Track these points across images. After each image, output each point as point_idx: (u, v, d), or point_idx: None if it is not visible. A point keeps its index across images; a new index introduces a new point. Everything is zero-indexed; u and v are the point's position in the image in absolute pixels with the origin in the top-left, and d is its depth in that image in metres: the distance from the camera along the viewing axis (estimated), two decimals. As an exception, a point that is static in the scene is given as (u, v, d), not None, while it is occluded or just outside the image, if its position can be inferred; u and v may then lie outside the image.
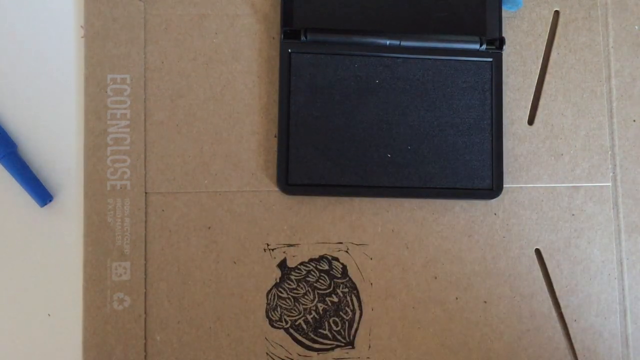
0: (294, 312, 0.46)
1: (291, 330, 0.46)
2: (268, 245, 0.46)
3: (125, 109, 0.46)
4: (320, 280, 0.46)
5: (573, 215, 0.48)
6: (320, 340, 0.46)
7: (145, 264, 0.45)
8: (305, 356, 0.45)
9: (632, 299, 0.47)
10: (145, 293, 0.45)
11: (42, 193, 0.46)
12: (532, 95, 0.49)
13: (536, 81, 0.49)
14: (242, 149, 0.47)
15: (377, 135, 0.46)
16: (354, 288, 0.46)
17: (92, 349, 0.44)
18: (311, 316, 0.46)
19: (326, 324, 0.46)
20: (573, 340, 0.47)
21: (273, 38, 0.48)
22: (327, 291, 0.46)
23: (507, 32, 0.49)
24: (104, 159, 0.46)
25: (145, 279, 0.45)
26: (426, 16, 0.48)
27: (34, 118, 0.47)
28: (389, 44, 0.46)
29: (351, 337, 0.46)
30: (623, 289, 0.47)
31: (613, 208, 0.48)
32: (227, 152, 0.47)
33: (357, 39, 0.46)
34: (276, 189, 0.46)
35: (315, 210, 0.47)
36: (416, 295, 0.46)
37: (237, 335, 0.45)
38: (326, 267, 0.46)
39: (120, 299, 0.45)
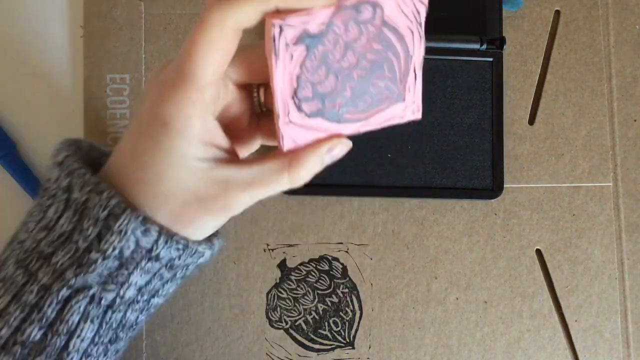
0: (293, 312, 0.46)
1: (291, 331, 0.46)
2: (268, 245, 0.46)
3: (125, 109, 0.46)
4: (320, 281, 0.46)
5: (574, 215, 0.48)
6: (320, 340, 0.46)
7: (145, 264, 0.45)
8: (305, 356, 0.45)
9: (633, 299, 0.47)
10: (144, 293, 0.45)
11: (41, 193, 0.45)
12: (533, 95, 0.49)
13: (537, 81, 0.49)
14: (242, 149, 0.47)
15: (377, 135, 0.46)
16: (354, 288, 0.46)
17: (91, 349, 0.44)
18: (311, 316, 0.46)
19: (326, 324, 0.46)
20: (574, 341, 0.47)
21: (273, 38, 0.48)
22: (327, 291, 0.46)
23: (507, 32, 0.49)
24: (104, 159, 0.46)
25: (145, 279, 0.45)
26: (427, 16, 0.47)
27: (33, 118, 0.47)
28: (389, 43, 0.46)
29: (351, 338, 0.46)
30: (624, 289, 0.47)
31: (614, 208, 0.48)
32: (226, 152, 0.47)
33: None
34: (276, 189, 0.46)
35: (315, 210, 0.47)
36: (416, 296, 0.46)
37: (236, 335, 0.45)
38: (326, 268, 0.46)
39: (119, 299, 0.45)
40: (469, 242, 0.47)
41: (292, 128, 0.30)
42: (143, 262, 0.30)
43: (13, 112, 0.47)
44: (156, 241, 0.29)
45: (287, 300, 0.46)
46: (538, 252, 0.47)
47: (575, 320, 0.47)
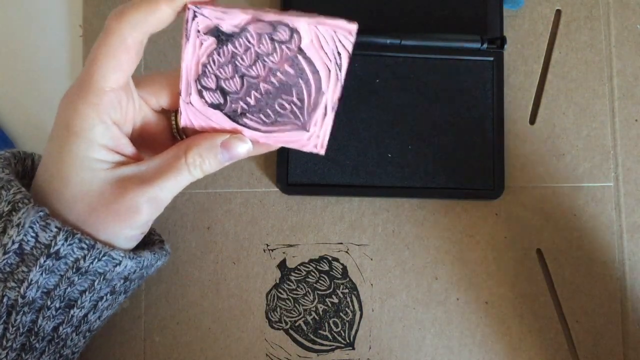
0: (293, 313, 0.46)
1: (291, 332, 0.45)
2: (268, 245, 0.46)
3: (124, 108, 0.46)
4: (320, 281, 0.46)
5: (575, 215, 0.47)
6: (320, 341, 0.45)
7: (144, 265, 0.45)
8: (305, 357, 0.45)
9: (634, 300, 0.47)
10: (144, 294, 0.45)
11: (40, 193, 0.45)
12: (534, 94, 0.49)
13: (537, 80, 0.49)
14: (242, 148, 0.47)
15: (377, 135, 0.46)
16: (354, 289, 0.46)
17: (91, 350, 0.44)
18: (311, 317, 0.46)
19: (326, 325, 0.46)
20: (575, 341, 0.46)
21: (273, 37, 0.48)
22: (327, 292, 0.46)
23: (508, 31, 0.48)
24: (103, 159, 0.46)
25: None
26: (427, 15, 0.47)
27: (33, 118, 0.47)
28: (390, 42, 0.46)
29: (351, 338, 0.46)
30: (625, 290, 0.47)
31: (615, 208, 0.48)
32: (226, 152, 0.46)
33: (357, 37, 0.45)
34: (276, 189, 0.46)
35: (315, 210, 0.46)
36: (417, 296, 0.46)
37: (236, 336, 0.45)
38: (326, 268, 0.46)
39: (119, 300, 0.45)
40: (470, 243, 0.47)
41: (191, 109, 0.31)
42: (42, 259, 0.29)
43: (13, 112, 0.47)
44: (55, 237, 0.29)
45: (287, 301, 0.46)
46: (539, 252, 0.47)
47: (576, 321, 0.47)
